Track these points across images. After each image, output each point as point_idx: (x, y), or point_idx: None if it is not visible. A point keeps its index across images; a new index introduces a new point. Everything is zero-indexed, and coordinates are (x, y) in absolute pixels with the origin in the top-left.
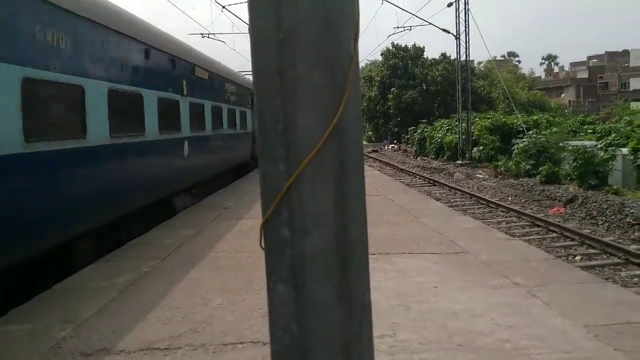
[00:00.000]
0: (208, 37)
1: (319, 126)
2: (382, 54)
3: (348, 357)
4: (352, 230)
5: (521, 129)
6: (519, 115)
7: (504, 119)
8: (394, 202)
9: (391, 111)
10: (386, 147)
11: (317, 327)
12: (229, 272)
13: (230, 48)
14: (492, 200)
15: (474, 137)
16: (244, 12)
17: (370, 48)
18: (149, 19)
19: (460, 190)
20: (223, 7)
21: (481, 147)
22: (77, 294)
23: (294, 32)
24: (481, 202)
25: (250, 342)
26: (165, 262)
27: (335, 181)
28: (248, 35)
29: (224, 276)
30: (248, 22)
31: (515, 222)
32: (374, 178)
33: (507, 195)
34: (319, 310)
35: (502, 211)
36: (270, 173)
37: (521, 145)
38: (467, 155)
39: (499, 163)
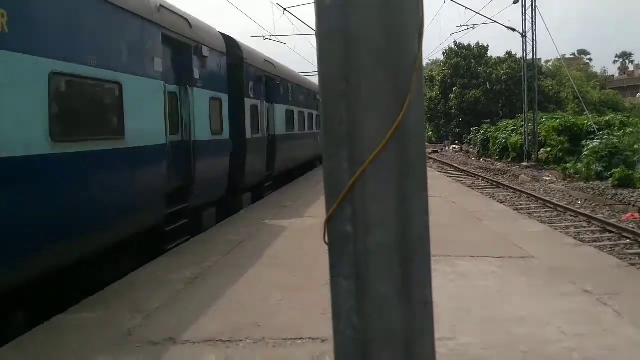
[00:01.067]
0: (270, 40)
1: (382, 127)
2: (444, 53)
3: (409, 352)
4: (414, 228)
5: (592, 129)
6: (590, 116)
7: (574, 120)
8: (455, 204)
9: (453, 111)
10: (447, 148)
11: (379, 321)
12: (288, 270)
13: (290, 50)
14: (560, 203)
15: (540, 138)
16: (304, 14)
17: (431, 47)
18: (212, 22)
19: (526, 193)
20: (284, 9)
21: (548, 149)
22: (146, 285)
23: (359, 36)
24: (548, 205)
25: (310, 338)
26: (227, 258)
27: (397, 180)
28: (308, 37)
29: (283, 273)
30: (315, 28)
31: (584, 227)
32: (434, 179)
33: (576, 199)
34: (380, 306)
35: (571, 215)
36: (334, 171)
37: (592, 146)
38: (533, 156)
39: (568, 165)
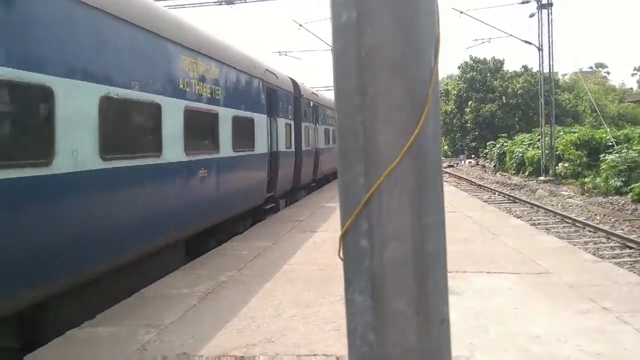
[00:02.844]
0: (285, 55)
1: (398, 142)
2: (459, 67)
3: None
4: (430, 244)
5: (610, 143)
6: (608, 129)
7: (592, 133)
8: (471, 219)
9: (468, 125)
10: (462, 162)
11: (395, 338)
12: (302, 285)
13: (305, 65)
14: (578, 219)
15: (558, 152)
16: (319, 29)
17: (446, 61)
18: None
19: (543, 208)
20: (300, 25)
21: (566, 163)
22: (160, 300)
23: (375, 51)
24: (566, 220)
25: (324, 354)
26: (241, 273)
27: (414, 195)
28: (323, 52)
29: (297, 288)
30: (331, 43)
31: (604, 243)
32: (450, 194)
33: (595, 214)
34: (396, 322)
35: (590, 231)
36: (350, 186)
37: (610, 160)
38: (550, 171)
39: (586, 180)
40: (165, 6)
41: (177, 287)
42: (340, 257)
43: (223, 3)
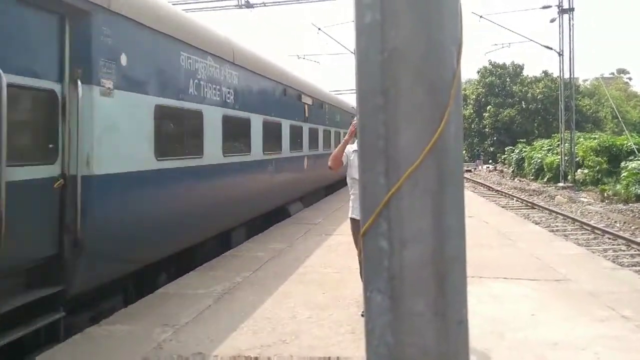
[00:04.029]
0: (304, 59)
1: (419, 142)
2: (478, 72)
3: None
4: (450, 246)
5: (632, 150)
6: (630, 135)
7: (612, 140)
8: (488, 225)
9: (486, 130)
10: (479, 167)
11: (413, 339)
12: (317, 287)
13: (323, 68)
14: (598, 226)
15: (577, 159)
16: (337, 33)
17: (465, 66)
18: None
19: (562, 215)
20: (319, 29)
21: (586, 169)
22: (177, 299)
23: (398, 52)
24: (585, 227)
25: (337, 357)
26: (257, 274)
27: (434, 197)
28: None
29: (312, 291)
30: (350, 46)
31: (623, 250)
32: (467, 199)
33: (615, 221)
34: (414, 323)
35: (609, 238)
36: (370, 186)
37: (631, 167)
38: (569, 177)
39: (606, 186)
40: (186, 9)
41: (194, 287)
42: (359, 258)
43: (243, 7)
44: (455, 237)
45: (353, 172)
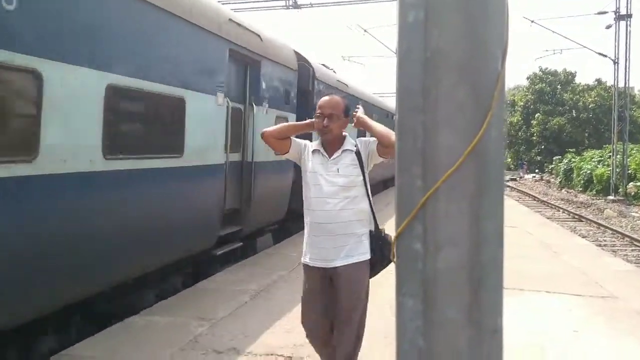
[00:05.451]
0: (348, 60)
1: (459, 145)
2: (527, 78)
3: None
4: (487, 252)
5: None
6: None
7: None
8: (532, 236)
9: (534, 138)
10: (523, 176)
11: (444, 345)
12: None
13: (368, 70)
14: None
15: (630, 171)
16: (384, 35)
17: (514, 71)
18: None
19: (611, 229)
20: (365, 30)
21: (638, 183)
22: (214, 294)
23: (441, 51)
24: (635, 243)
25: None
26: (291, 274)
27: (472, 200)
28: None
29: None
30: (396, 44)
31: None
32: (510, 208)
33: None
34: (446, 329)
35: None
36: (406, 188)
37: None
38: (620, 190)
39: None
40: (235, 9)
41: (231, 283)
42: (393, 260)
43: (291, 7)
44: (492, 244)
45: (309, 191)
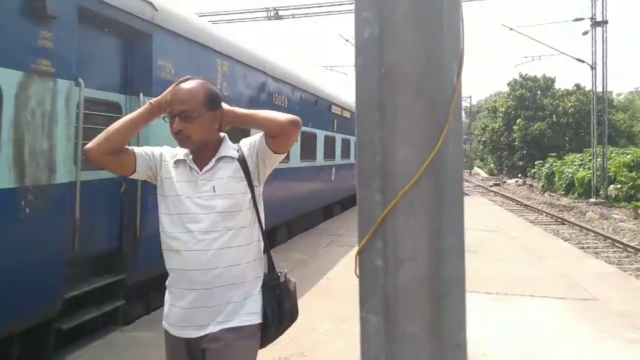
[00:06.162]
0: (331, 70)
1: (416, 159)
2: (508, 84)
3: None
4: (448, 267)
5: None
6: None
7: None
8: (515, 240)
9: (516, 143)
10: (505, 181)
11: None
12: (338, 299)
13: (351, 79)
14: (630, 244)
15: (610, 174)
16: None
17: (494, 78)
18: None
19: (593, 231)
20: (347, 40)
21: (618, 185)
22: None
23: (396, 67)
24: (617, 245)
25: None
26: None
27: (432, 215)
28: None
29: (333, 303)
30: (354, 60)
31: None
32: (494, 213)
33: None
34: (408, 345)
35: None
36: (367, 203)
37: None
38: (601, 193)
39: None
40: (215, 21)
41: None
42: (356, 275)
43: (272, 18)
44: (453, 258)
45: (171, 224)
